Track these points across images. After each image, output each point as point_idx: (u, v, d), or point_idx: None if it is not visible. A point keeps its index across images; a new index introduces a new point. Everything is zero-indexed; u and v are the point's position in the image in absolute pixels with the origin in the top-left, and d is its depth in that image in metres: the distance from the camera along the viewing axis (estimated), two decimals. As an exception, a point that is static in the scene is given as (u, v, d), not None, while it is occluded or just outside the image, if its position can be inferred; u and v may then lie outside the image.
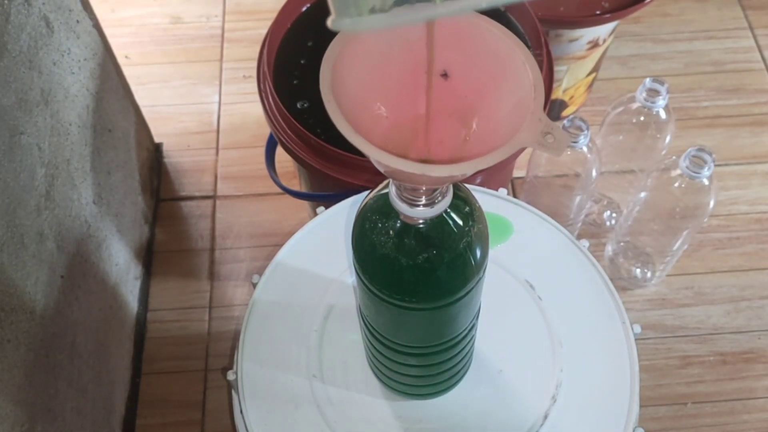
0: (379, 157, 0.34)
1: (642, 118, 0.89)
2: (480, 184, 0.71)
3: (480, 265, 0.45)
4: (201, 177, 1.11)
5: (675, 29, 1.25)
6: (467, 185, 0.46)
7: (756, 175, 1.10)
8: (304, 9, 0.89)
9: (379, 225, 0.43)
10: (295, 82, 0.84)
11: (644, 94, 0.84)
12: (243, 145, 1.14)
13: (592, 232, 1.04)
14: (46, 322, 0.70)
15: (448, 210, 0.42)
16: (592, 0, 0.97)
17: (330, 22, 0.30)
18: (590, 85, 1.13)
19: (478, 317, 0.53)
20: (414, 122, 0.40)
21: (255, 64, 0.84)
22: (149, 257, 1.04)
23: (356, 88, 0.37)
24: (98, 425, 0.81)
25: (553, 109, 1.12)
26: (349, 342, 0.61)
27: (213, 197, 1.09)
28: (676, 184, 0.82)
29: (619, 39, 1.23)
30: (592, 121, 0.87)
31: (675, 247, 0.92)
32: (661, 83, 0.84)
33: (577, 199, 0.91)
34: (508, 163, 0.87)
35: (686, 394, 0.93)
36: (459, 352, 0.53)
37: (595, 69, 1.09)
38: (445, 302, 0.45)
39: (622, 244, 0.99)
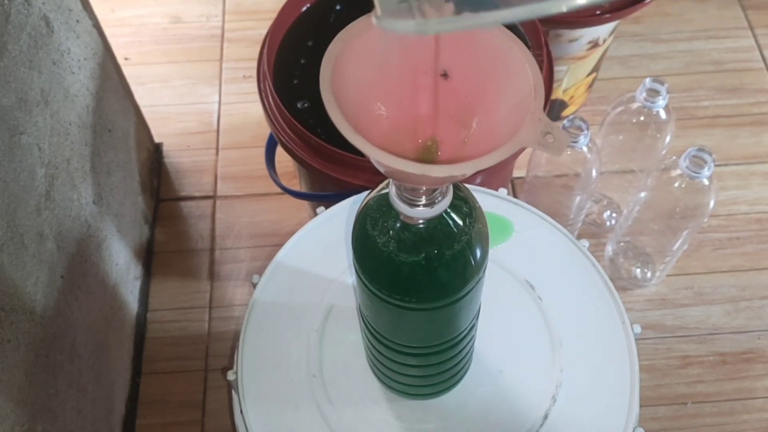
0: (379, 157, 0.34)
1: (642, 118, 0.89)
2: (480, 184, 0.71)
3: (480, 265, 0.45)
4: (201, 177, 1.11)
5: (675, 29, 1.25)
6: (467, 185, 0.46)
7: (756, 175, 1.10)
8: (304, 9, 0.88)
9: (379, 225, 0.43)
10: (295, 82, 0.84)
11: (644, 94, 0.84)
12: (243, 145, 1.14)
13: (592, 232, 1.04)
14: (46, 322, 0.70)
15: (448, 210, 0.42)
16: (592, 0, 0.96)
17: (383, 23, 0.29)
18: (590, 85, 1.13)
19: (478, 317, 0.53)
20: (414, 122, 0.40)
21: (255, 64, 0.84)
22: (149, 257, 1.04)
23: (356, 88, 0.37)
24: (98, 425, 0.81)
25: (553, 109, 1.12)
26: (349, 342, 0.61)
27: (213, 197, 1.09)
28: (676, 184, 0.82)
29: (619, 39, 1.23)
30: (592, 121, 0.87)
31: (675, 247, 0.92)
32: (661, 83, 0.84)
33: (577, 199, 0.91)
34: (508, 163, 0.87)
35: (686, 394, 0.93)
36: (459, 352, 0.53)
37: (595, 69, 1.09)
38: (445, 302, 0.45)
39: (622, 244, 0.99)
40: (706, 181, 0.81)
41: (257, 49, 0.84)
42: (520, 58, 0.36)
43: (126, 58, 1.23)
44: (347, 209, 0.68)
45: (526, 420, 0.57)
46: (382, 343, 0.52)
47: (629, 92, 0.88)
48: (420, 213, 0.41)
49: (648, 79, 0.84)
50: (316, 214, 0.68)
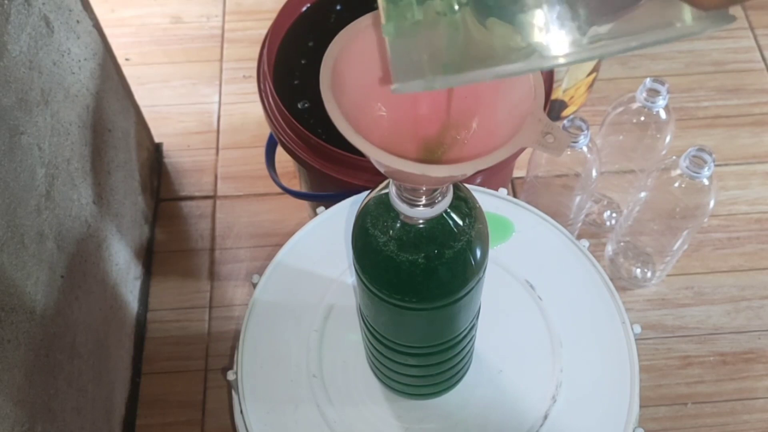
0: (379, 157, 0.34)
1: (642, 118, 0.89)
2: (480, 184, 0.71)
3: (480, 265, 0.45)
4: (201, 177, 1.11)
5: (675, 29, 1.25)
6: (467, 185, 0.46)
7: (756, 175, 1.10)
8: (304, 9, 0.88)
9: (379, 225, 0.43)
10: (295, 82, 0.84)
11: (644, 94, 0.84)
12: (243, 145, 1.14)
13: (592, 232, 1.04)
14: (46, 322, 0.70)
15: (448, 210, 0.42)
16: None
17: (398, 87, 0.30)
18: (590, 85, 1.13)
19: (478, 317, 0.53)
20: (414, 122, 0.40)
21: (255, 64, 0.84)
22: (149, 257, 1.04)
23: (356, 88, 0.37)
24: (98, 425, 0.81)
25: (553, 109, 1.12)
26: (349, 342, 0.61)
27: (213, 197, 1.09)
28: (676, 184, 0.82)
29: (619, 39, 1.23)
30: (592, 121, 0.87)
31: (675, 247, 0.92)
32: (662, 83, 0.84)
33: (577, 199, 0.91)
34: (508, 163, 0.87)
35: (686, 394, 0.93)
36: (459, 352, 0.53)
37: (595, 69, 1.09)
38: (445, 302, 0.45)
39: (622, 244, 0.99)
40: (706, 181, 0.81)
41: (257, 49, 0.84)
42: (520, 58, 0.36)
43: (126, 59, 1.23)
44: (347, 209, 0.68)
45: (526, 420, 0.57)
46: (382, 343, 0.52)
47: (629, 92, 0.88)
48: (420, 213, 0.41)
49: (648, 79, 0.84)
50: (316, 214, 0.68)
